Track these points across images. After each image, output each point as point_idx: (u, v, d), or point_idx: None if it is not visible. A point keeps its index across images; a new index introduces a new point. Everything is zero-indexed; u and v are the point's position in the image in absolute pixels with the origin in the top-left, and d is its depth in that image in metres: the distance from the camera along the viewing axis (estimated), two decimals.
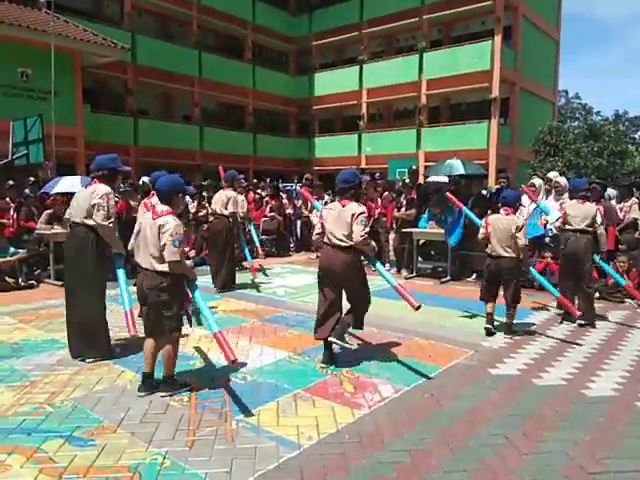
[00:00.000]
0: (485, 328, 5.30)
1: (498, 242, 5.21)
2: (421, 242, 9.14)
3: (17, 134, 11.07)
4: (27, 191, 9.02)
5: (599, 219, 5.83)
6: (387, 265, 9.52)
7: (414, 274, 8.73)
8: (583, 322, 5.64)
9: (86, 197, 4.40)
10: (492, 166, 20.48)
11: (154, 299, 3.57)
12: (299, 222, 12.52)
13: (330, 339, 4.27)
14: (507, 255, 5.17)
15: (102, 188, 4.39)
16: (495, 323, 5.39)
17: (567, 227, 5.85)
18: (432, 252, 9.50)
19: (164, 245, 3.51)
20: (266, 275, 8.76)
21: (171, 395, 3.63)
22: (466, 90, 21.54)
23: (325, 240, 4.35)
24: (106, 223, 4.34)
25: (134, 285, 3.78)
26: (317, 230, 4.51)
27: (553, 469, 2.77)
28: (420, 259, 9.19)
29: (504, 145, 21.50)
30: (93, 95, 18.27)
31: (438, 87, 22.18)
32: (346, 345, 4.32)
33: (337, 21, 25.07)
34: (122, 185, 10.03)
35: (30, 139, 10.75)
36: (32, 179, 9.94)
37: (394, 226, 9.44)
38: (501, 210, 5.37)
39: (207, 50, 22.77)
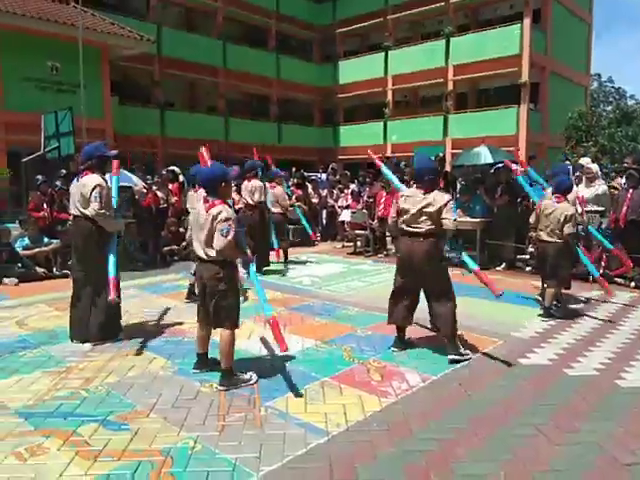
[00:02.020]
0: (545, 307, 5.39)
1: (545, 228, 5.24)
2: None
3: (48, 127, 11.31)
4: (58, 183, 9.24)
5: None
6: None
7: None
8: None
9: (79, 189, 4.52)
10: (522, 153, 20.02)
11: (212, 289, 3.60)
12: (324, 211, 12.52)
13: (450, 357, 4.12)
14: (552, 241, 5.19)
15: (93, 179, 4.50)
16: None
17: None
18: (459, 241, 9.38)
19: (214, 233, 3.54)
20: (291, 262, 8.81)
21: (228, 389, 3.58)
22: (494, 75, 21.03)
23: (403, 227, 4.28)
24: (102, 212, 4.48)
25: (193, 275, 3.86)
26: (393, 214, 4.43)
27: (585, 460, 2.72)
28: (447, 248, 9.09)
29: (534, 131, 20.97)
30: (120, 88, 18.49)
31: (465, 72, 21.72)
32: (461, 357, 4.15)
33: (361, 7, 24.71)
34: (150, 177, 10.23)
35: (61, 132, 10.97)
36: (64, 171, 10.17)
37: None
38: (552, 197, 5.35)
39: (231, 41, 22.77)
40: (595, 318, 5.45)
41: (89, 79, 14.07)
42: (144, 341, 4.64)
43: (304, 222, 9.50)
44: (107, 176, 4.80)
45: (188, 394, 3.52)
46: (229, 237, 3.50)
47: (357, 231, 10.36)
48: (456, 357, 4.11)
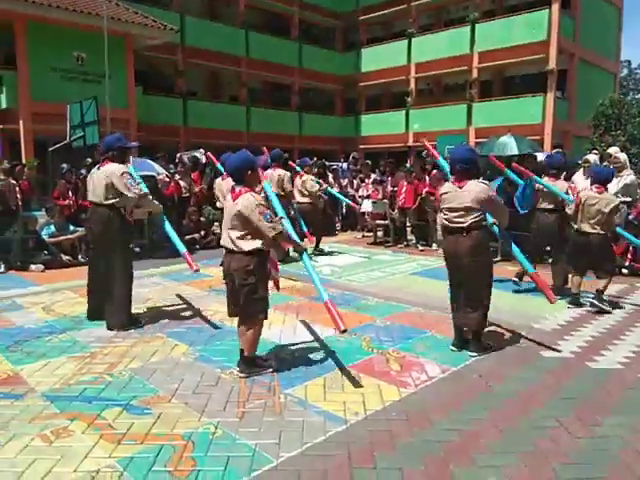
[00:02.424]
0: (571, 295, 5.39)
1: (587, 219, 5.15)
2: None
3: (74, 117, 11.49)
4: (83, 172, 9.39)
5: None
6: (434, 245, 9.39)
7: None
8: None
9: (102, 178, 4.62)
10: (548, 142, 19.57)
11: (241, 282, 3.51)
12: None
13: (471, 354, 4.03)
14: (595, 232, 5.12)
15: (118, 167, 4.61)
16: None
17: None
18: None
19: (256, 225, 3.43)
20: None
21: (249, 375, 3.61)
22: (520, 62, 20.57)
23: (445, 223, 4.10)
24: (144, 193, 4.69)
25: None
26: (440, 213, 4.24)
27: (609, 454, 2.68)
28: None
29: (561, 120, 20.49)
30: (145, 77, 18.63)
31: (490, 60, 21.28)
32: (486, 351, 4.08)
33: None
34: (173, 167, 10.33)
35: (86, 121, 11.13)
36: (89, 160, 10.33)
37: None
38: (592, 187, 5.27)
39: (254, 29, 22.71)
40: (620, 310, 5.33)
41: (114, 69, 14.22)
42: (166, 328, 4.72)
43: (342, 198, 10.03)
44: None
45: (209, 380, 3.57)
46: (275, 222, 3.43)
47: (377, 221, 10.31)
48: (476, 355, 4.03)
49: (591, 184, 5.39)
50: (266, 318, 3.68)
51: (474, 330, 4.09)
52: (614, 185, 7.02)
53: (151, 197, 4.92)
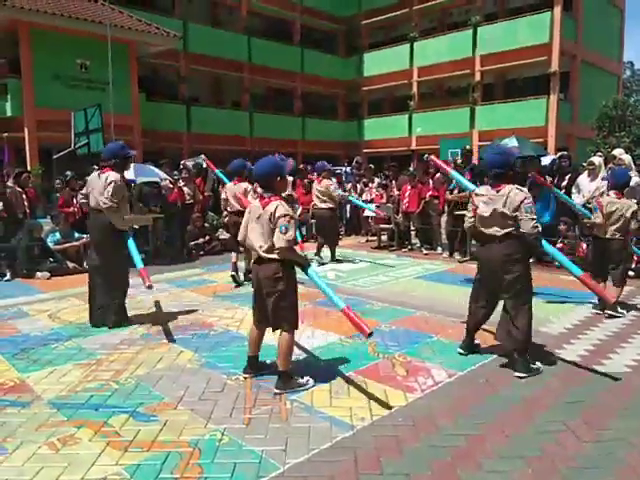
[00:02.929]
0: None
1: (608, 225, 5.14)
2: None
3: (78, 124, 11.56)
4: (88, 179, 9.43)
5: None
6: (439, 249, 9.38)
7: (467, 257, 8.55)
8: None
9: (100, 185, 4.76)
10: (552, 144, 19.56)
11: (270, 289, 3.43)
12: (348, 206, 12.46)
13: (517, 374, 3.71)
14: (614, 238, 5.12)
15: (112, 176, 4.73)
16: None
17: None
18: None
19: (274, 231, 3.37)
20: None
21: (284, 392, 3.44)
22: (523, 65, 20.60)
23: (479, 230, 3.91)
24: (108, 205, 4.72)
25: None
26: (470, 215, 4.01)
27: (615, 457, 2.67)
28: (473, 242, 8.98)
29: (564, 122, 20.48)
30: (148, 84, 18.74)
31: (493, 63, 21.33)
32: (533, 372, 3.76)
33: None
34: (177, 173, 10.36)
35: (90, 129, 11.20)
36: (96, 167, 10.37)
37: (446, 209, 9.24)
38: (610, 193, 5.26)
39: (256, 35, 22.84)
40: (627, 314, 5.31)
41: (117, 76, 14.33)
42: (171, 334, 4.72)
43: (363, 205, 10.05)
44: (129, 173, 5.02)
45: (215, 387, 3.57)
46: (288, 235, 3.30)
47: (381, 225, 10.31)
48: (524, 375, 3.70)
49: (609, 189, 5.36)
50: (297, 327, 3.56)
51: (519, 347, 3.78)
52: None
53: (121, 214, 4.83)
